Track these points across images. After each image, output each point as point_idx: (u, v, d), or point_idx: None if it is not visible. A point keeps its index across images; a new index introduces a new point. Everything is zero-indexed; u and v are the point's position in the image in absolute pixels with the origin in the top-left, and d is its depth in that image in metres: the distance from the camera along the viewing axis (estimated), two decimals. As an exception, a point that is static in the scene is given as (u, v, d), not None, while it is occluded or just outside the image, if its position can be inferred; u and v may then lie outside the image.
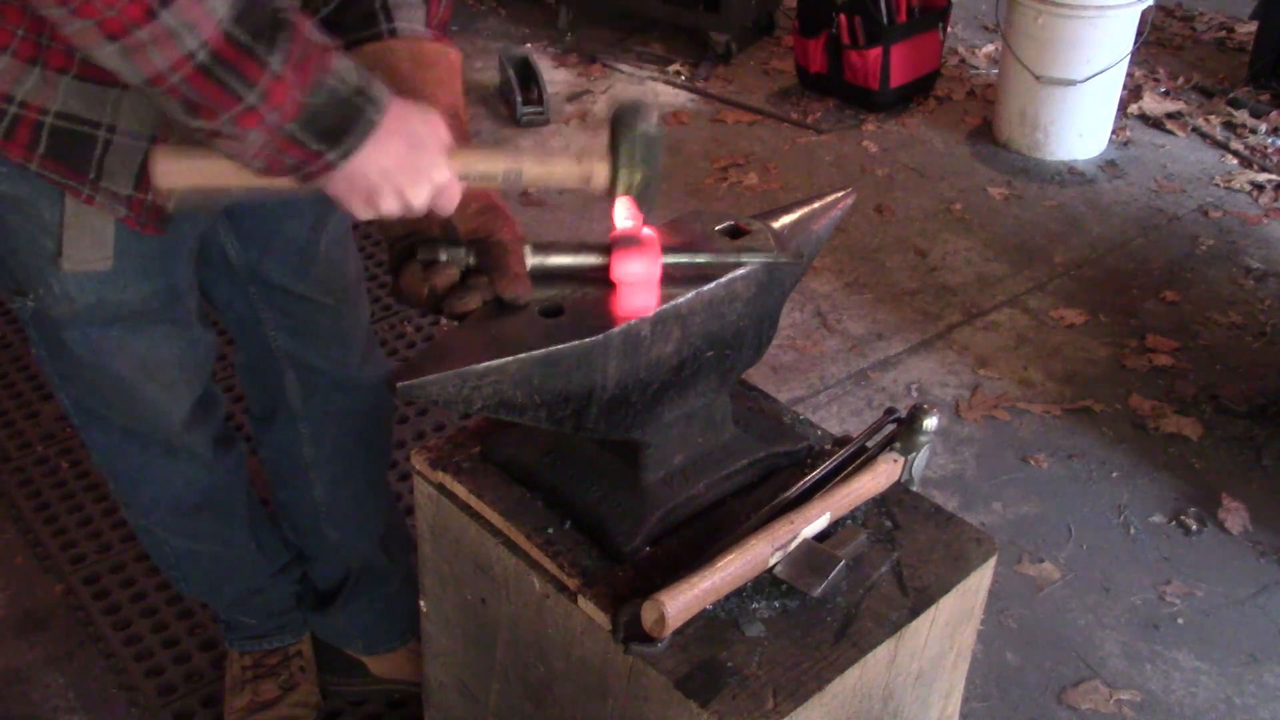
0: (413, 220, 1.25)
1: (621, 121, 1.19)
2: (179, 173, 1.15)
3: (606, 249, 1.24)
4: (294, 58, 1.03)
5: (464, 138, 1.29)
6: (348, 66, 1.07)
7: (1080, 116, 3.75)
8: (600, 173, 1.20)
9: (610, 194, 1.21)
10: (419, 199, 1.14)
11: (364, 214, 1.15)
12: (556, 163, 1.21)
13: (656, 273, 1.23)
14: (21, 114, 1.23)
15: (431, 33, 1.31)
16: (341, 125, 1.07)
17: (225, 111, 1.03)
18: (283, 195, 1.23)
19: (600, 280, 1.25)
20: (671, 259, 1.25)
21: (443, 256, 1.21)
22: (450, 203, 1.17)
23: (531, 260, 1.24)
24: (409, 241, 1.25)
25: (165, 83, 1.02)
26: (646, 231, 1.24)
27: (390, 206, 1.14)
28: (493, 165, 1.18)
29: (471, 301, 1.21)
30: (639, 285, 1.23)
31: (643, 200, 1.22)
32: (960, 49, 4.54)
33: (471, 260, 1.23)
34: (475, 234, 1.24)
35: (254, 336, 1.72)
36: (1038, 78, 3.68)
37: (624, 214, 1.24)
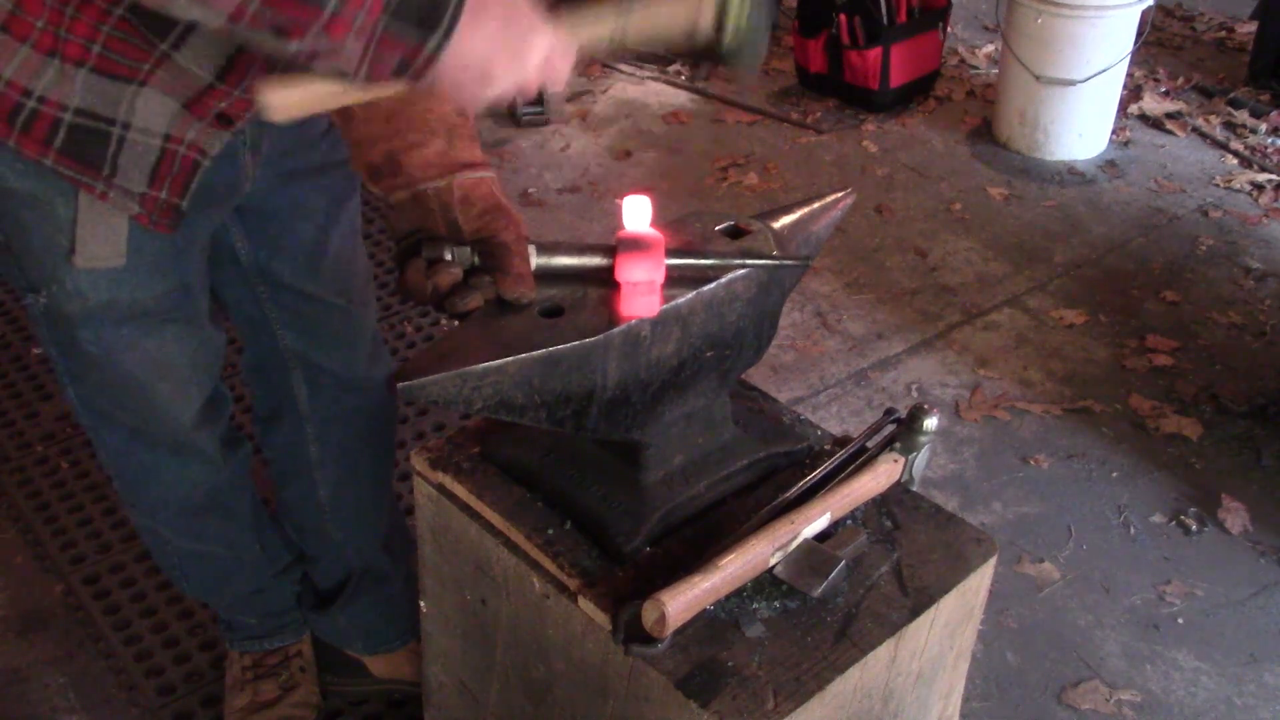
0: (419, 218, 1.26)
1: None
2: (290, 103, 1.12)
3: (610, 250, 1.24)
4: None
5: (471, 134, 1.29)
6: None
7: (1080, 116, 3.75)
8: (707, 10, 1.15)
9: (716, 43, 1.16)
10: (530, 71, 1.10)
11: (482, 99, 1.11)
12: (660, 5, 1.14)
13: (660, 275, 1.23)
14: (40, 109, 1.23)
15: None
16: (432, 8, 1.03)
17: (313, 23, 1.00)
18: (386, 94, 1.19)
19: (604, 282, 1.25)
20: (675, 261, 1.25)
21: (447, 255, 1.21)
22: (562, 71, 1.13)
23: (536, 260, 1.24)
24: (414, 239, 1.25)
25: (245, 13, 1.00)
26: (651, 234, 1.24)
27: (504, 85, 1.10)
28: (596, 24, 1.14)
29: (474, 301, 1.21)
30: (642, 287, 1.22)
31: (748, 49, 1.17)
32: (960, 49, 4.54)
33: (476, 259, 1.23)
34: (480, 233, 1.24)
35: (262, 336, 1.72)
36: (1038, 78, 3.68)
37: (631, 214, 1.24)
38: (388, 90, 1.11)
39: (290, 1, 0.99)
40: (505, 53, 1.08)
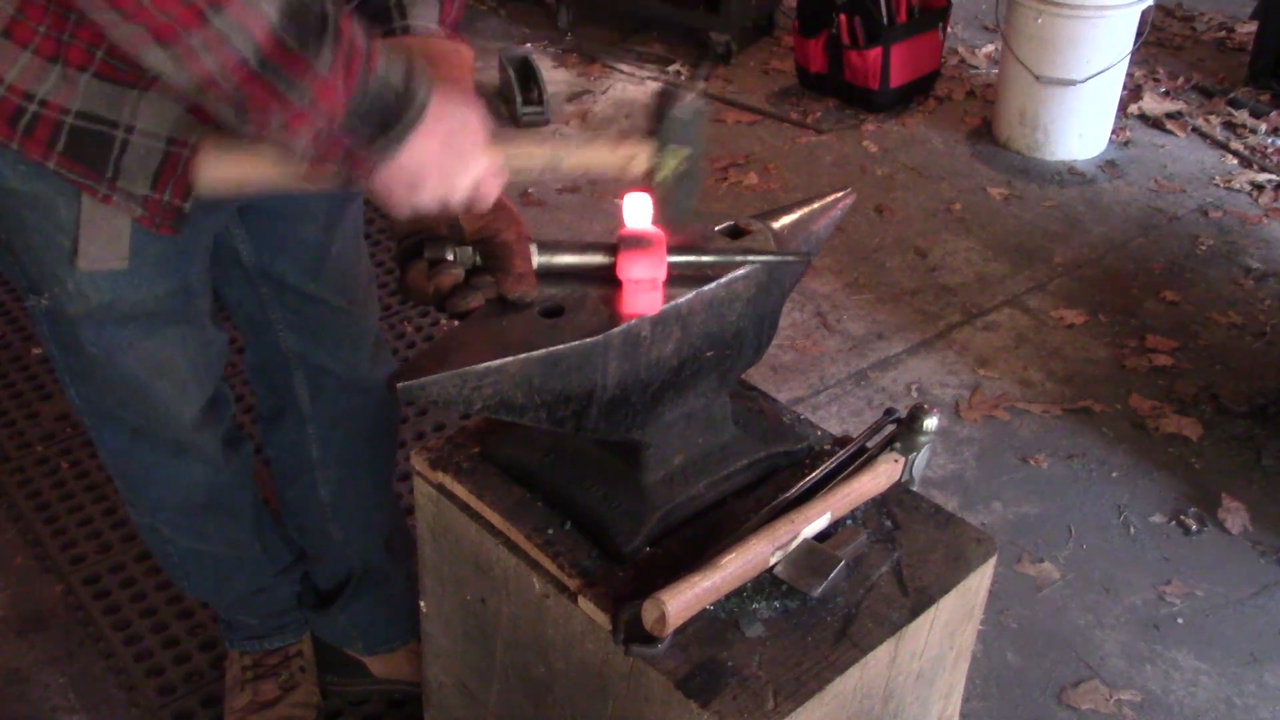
0: (420, 218, 1.26)
1: (663, 102, 1.18)
2: (222, 174, 1.16)
3: (612, 249, 1.24)
4: (340, 59, 1.03)
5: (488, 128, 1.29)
6: (392, 63, 1.07)
7: (1080, 116, 3.75)
8: (640, 156, 1.19)
9: (651, 180, 1.21)
10: (460, 191, 1.14)
11: (404, 208, 1.15)
12: (594, 150, 1.20)
13: (662, 273, 1.23)
14: (42, 112, 1.23)
15: (444, 30, 1.31)
16: (386, 121, 1.07)
17: (275, 114, 1.03)
18: (320, 190, 1.23)
19: (606, 280, 1.25)
20: (677, 259, 1.25)
21: (449, 255, 1.22)
22: (489, 195, 1.17)
23: (537, 260, 1.24)
24: (416, 239, 1.25)
25: (216, 87, 1.02)
26: (652, 231, 1.24)
27: (432, 199, 1.14)
28: (531, 157, 1.18)
29: (475, 301, 1.21)
30: (644, 285, 1.22)
31: (685, 185, 1.21)
32: (960, 49, 4.54)
33: (477, 259, 1.23)
34: (481, 233, 1.24)
35: (264, 336, 1.72)
36: (1038, 78, 3.68)
37: (635, 211, 1.24)
38: (321, 184, 1.14)
39: (262, 88, 1.02)
40: (441, 169, 1.12)
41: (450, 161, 1.12)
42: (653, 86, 4.25)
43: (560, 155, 1.18)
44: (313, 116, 1.04)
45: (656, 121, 1.19)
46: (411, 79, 1.08)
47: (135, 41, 1.00)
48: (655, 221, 1.25)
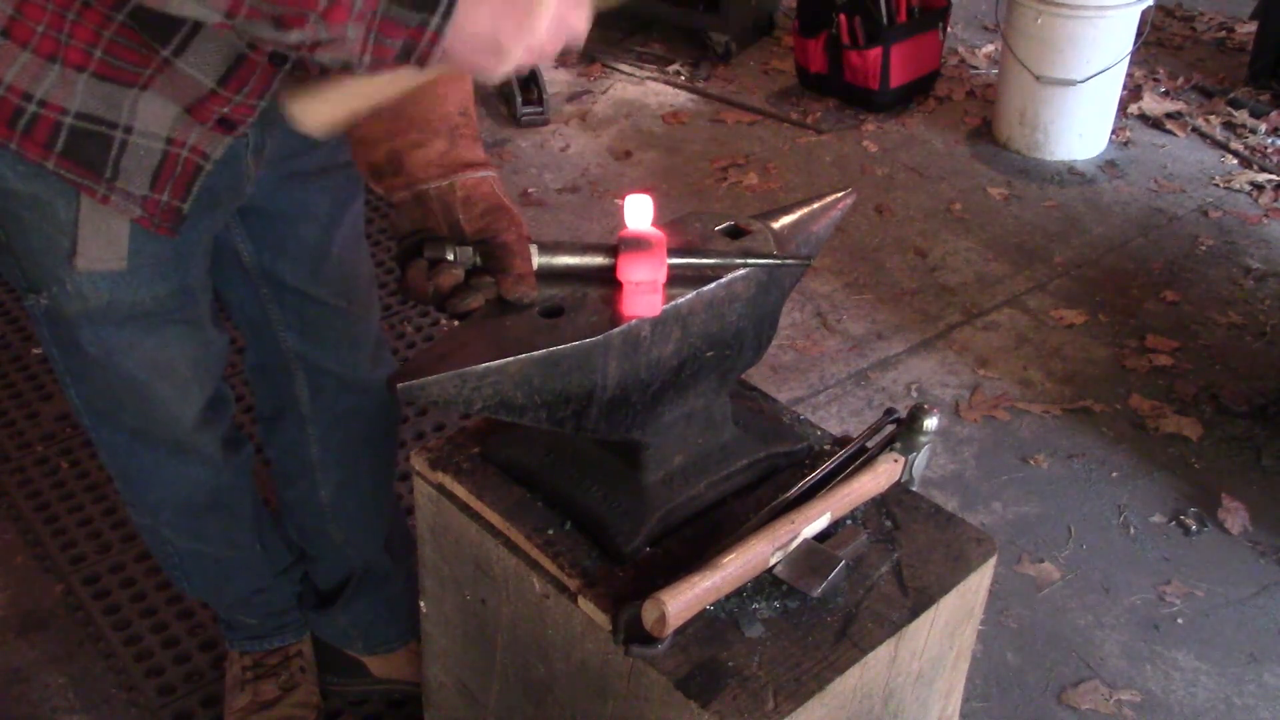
0: (420, 217, 1.26)
1: None
2: (321, 113, 1.12)
3: (612, 250, 1.24)
4: None
5: (474, 134, 1.29)
6: None
7: (1080, 116, 3.75)
8: None
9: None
10: (540, 31, 1.07)
11: (499, 70, 1.08)
12: None
13: (663, 275, 1.23)
14: (41, 113, 1.23)
15: None
16: None
17: (311, 11, 1.00)
18: (413, 87, 1.17)
19: (606, 281, 1.25)
20: (677, 261, 1.25)
21: (449, 255, 1.22)
22: (578, 26, 1.10)
23: (537, 260, 1.24)
24: (416, 239, 1.25)
25: (243, 6, 1.00)
26: (653, 233, 1.24)
27: (519, 50, 1.07)
28: None
29: (475, 301, 1.21)
30: (644, 286, 1.23)
31: None
32: (960, 49, 4.54)
33: (477, 260, 1.23)
34: (482, 233, 1.24)
35: (264, 337, 1.72)
36: (1038, 78, 3.68)
37: (633, 215, 1.24)
38: (407, 81, 1.09)
39: None
40: (512, 20, 1.06)
41: (518, 7, 1.06)
42: None
43: None
44: (349, 5, 1.00)
45: None
46: None
47: None
48: (654, 223, 1.26)
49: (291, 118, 1.12)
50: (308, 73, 1.10)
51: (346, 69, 1.06)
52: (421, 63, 1.05)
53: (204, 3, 1.00)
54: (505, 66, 1.08)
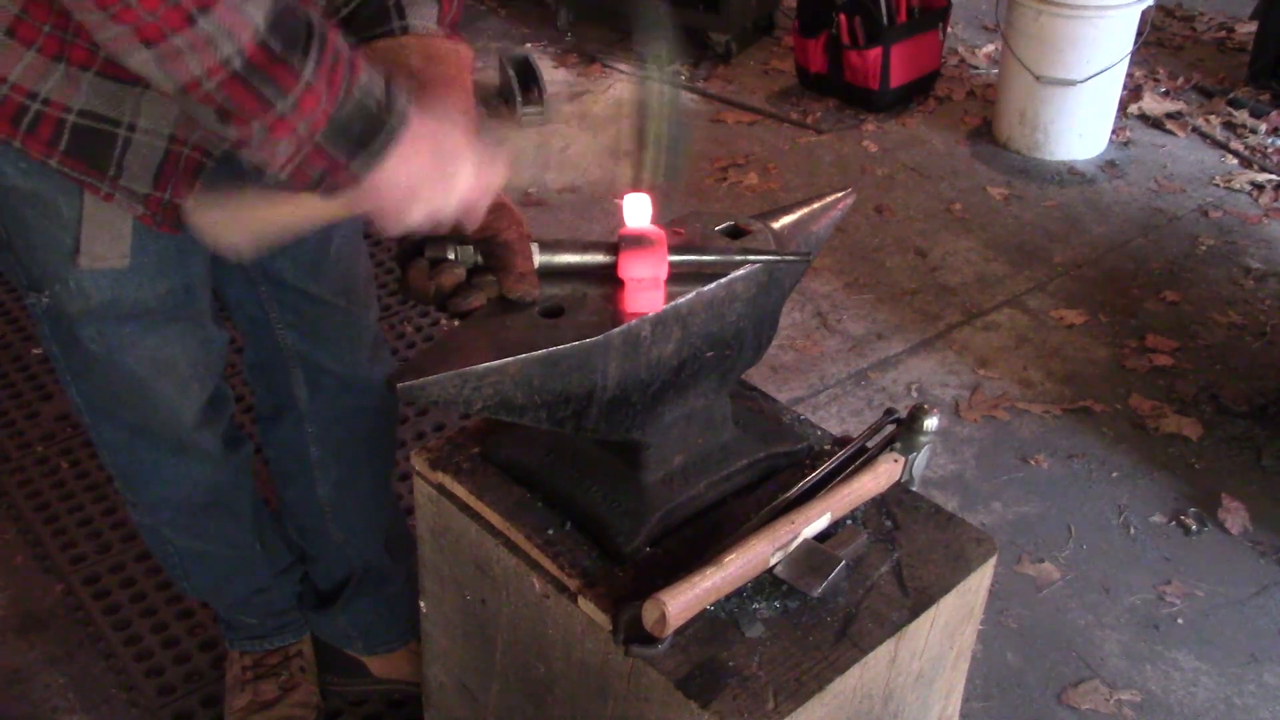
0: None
1: (641, 97, 1.18)
2: (218, 223, 1.16)
3: (614, 248, 1.24)
4: (325, 67, 1.03)
5: (474, 135, 1.29)
6: (373, 77, 1.08)
7: (1080, 116, 3.75)
8: (628, 164, 1.20)
9: (643, 179, 1.22)
10: (447, 209, 1.14)
11: (394, 228, 1.14)
12: (581, 156, 1.21)
13: (664, 272, 1.23)
14: (45, 111, 1.23)
15: (443, 30, 1.31)
16: (366, 135, 1.07)
17: (258, 119, 1.03)
18: (317, 224, 1.23)
19: (607, 279, 1.25)
20: (678, 259, 1.25)
21: (450, 254, 1.22)
22: (478, 208, 1.17)
23: (539, 259, 1.24)
24: (417, 238, 1.25)
25: (199, 90, 1.01)
26: (653, 230, 1.24)
27: (418, 218, 1.13)
28: (520, 161, 1.19)
29: (476, 300, 1.21)
30: (645, 284, 1.23)
31: (675, 158, 1.22)
32: (960, 49, 4.54)
33: (479, 258, 1.23)
34: (483, 232, 1.24)
35: (263, 335, 1.72)
36: (1038, 78, 3.68)
37: (635, 210, 1.24)
38: (312, 214, 1.14)
39: (246, 93, 1.01)
40: (428, 188, 1.11)
41: (433, 181, 1.11)
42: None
43: (548, 167, 1.19)
44: (295, 123, 1.03)
45: (640, 120, 1.19)
46: (391, 91, 1.08)
47: (121, 42, 1.00)
48: (654, 221, 1.26)
49: (194, 227, 1.16)
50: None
51: (260, 173, 1.09)
52: (328, 194, 1.10)
53: (164, 71, 1.01)
54: (400, 228, 1.13)
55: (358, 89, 1.06)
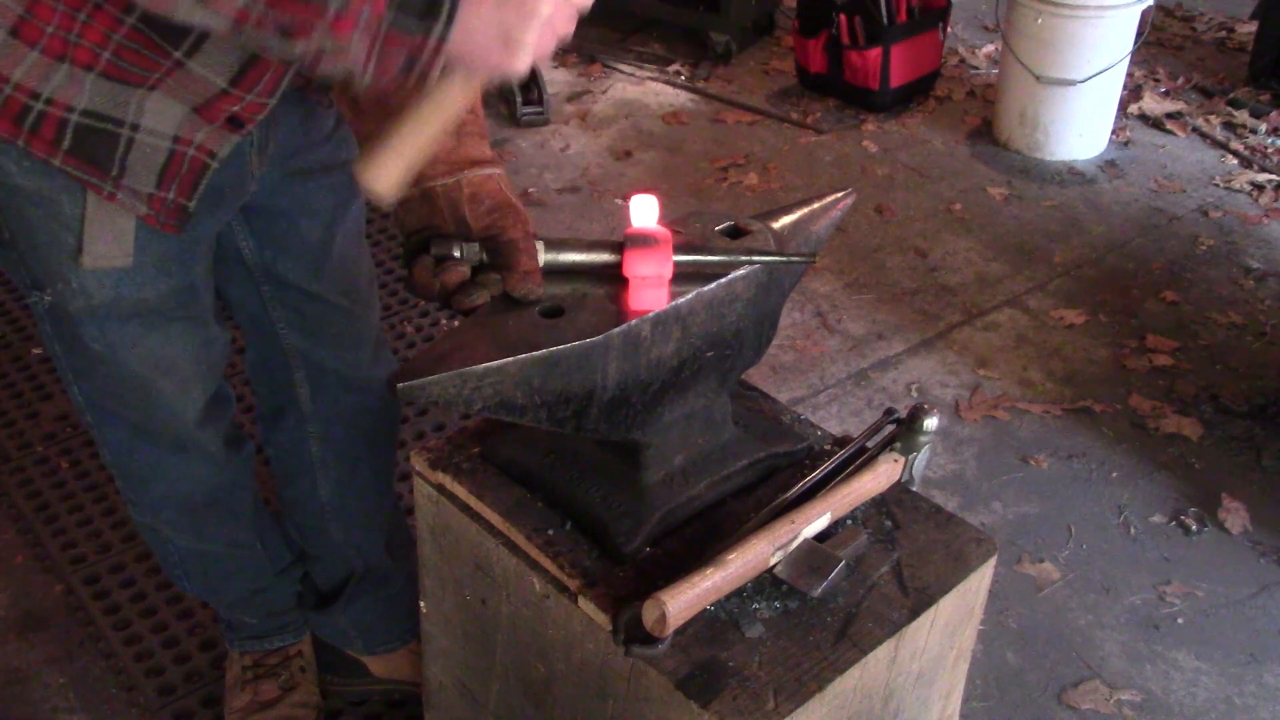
0: (427, 215, 1.26)
1: None
2: (392, 176, 1.14)
3: (618, 247, 1.24)
4: None
5: (480, 131, 1.29)
6: None
7: (1080, 116, 3.75)
8: None
9: None
10: (544, 11, 1.08)
11: (516, 66, 1.08)
12: None
13: (668, 272, 1.23)
14: (48, 111, 1.23)
15: None
16: (431, 2, 1.03)
17: (317, 24, 1.01)
18: (456, 121, 1.17)
19: (610, 279, 1.25)
20: (682, 258, 1.25)
21: (456, 252, 1.22)
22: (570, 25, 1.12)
23: (544, 257, 1.24)
24: (424, 235, 1.25)
25: (250, 16, 1.01)
26: (659, 230, 1.24)
27: (530, 38, 1.08)
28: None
29: (480, 297, 1.21)
30: (650, 284, 1.23)
31: None
32: (960, 49, 4.54)
33: (484, 256, 1.23)
34: (488, 231, 1.24)
35: (265, 335, 1.73)
36: (1038, 78, 3.68)
37: (639, 213, 1.24)
38: (452, 112, 1.10)
39: (294, 4, 1.00)
40: (513, 8, 1.06)
41: (513, 3, 1.06)
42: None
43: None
44: (357, 14, 1.01)
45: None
46: None
47: None
48: (659, 221, 1.26)
49: (363, 187, 1.13)
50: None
51: (347, 74, 1.06)
52: (424, 75, 1.06)
53: (211, 11, 1.01)
54: (521, 59, 1.09)
55: None
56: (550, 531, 1.32)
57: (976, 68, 4.44)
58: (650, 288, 1.22)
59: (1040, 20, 3.61)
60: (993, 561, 1.37)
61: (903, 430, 1.39)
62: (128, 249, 1.36)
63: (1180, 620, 2.27)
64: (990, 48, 4.53)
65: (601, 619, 1.23)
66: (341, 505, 1.88)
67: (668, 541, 1.33)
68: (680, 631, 1.20)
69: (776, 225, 1.37)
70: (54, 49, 1.20)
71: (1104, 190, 3.69)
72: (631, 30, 4.65)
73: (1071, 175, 3.76)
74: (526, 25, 1.07)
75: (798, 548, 1.26)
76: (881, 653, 1.24)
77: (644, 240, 1.22)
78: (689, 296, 1.25)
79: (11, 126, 1.24)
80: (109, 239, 1.34)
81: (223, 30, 1.03)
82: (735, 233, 1.34)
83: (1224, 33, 4.71)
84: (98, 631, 2.19)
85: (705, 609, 1.22)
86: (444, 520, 1.42)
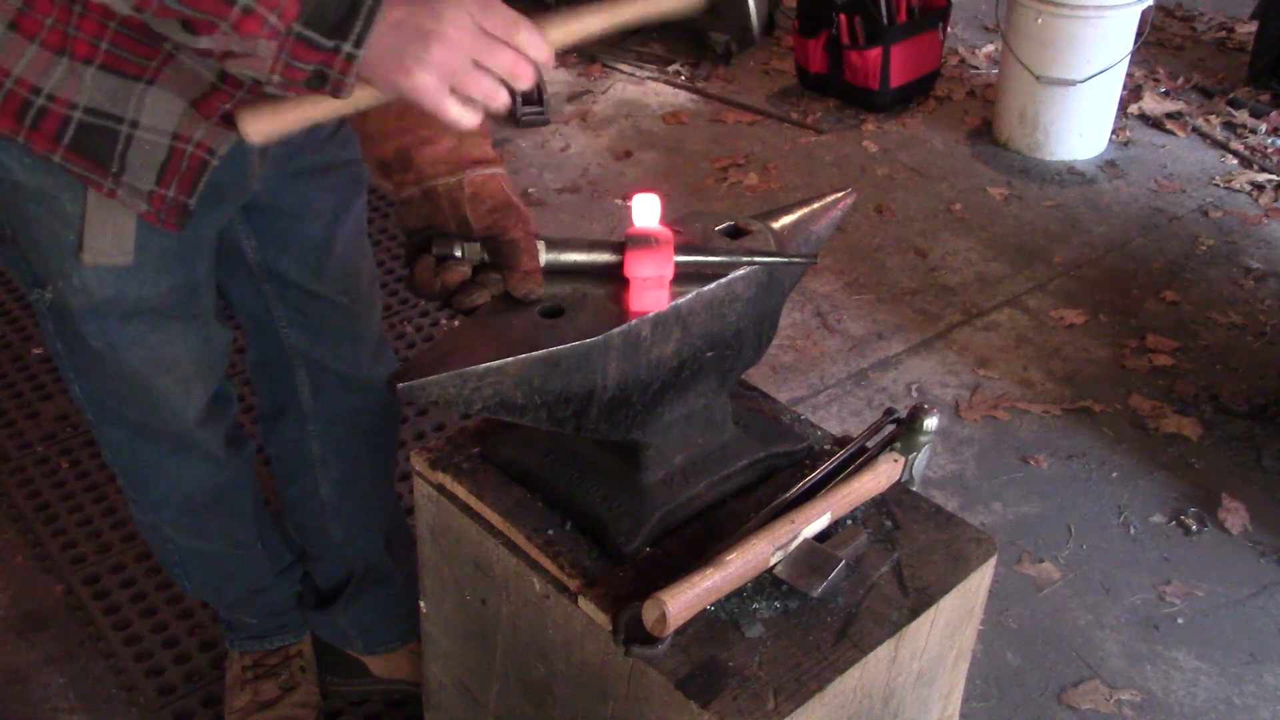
0: (429, 214, 1.26)
1: None
2: (265, 128, 1.13)
3: (619, 247, 1.24)
4: None
5: (483, 131, 1.29)
6: None
7: (1080, 116, 3.75)
8: None
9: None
10: (461, 47, 1.06)
11: (415, 87, 1.06)
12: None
13: (669, 272, 1.23)
14: (49, 106, 1.23)
15: None
16: (345, 18, 1.02)
17: (223, 19, 1.00)
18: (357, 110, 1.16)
19: (611, 279, 1.25)
20: (684, 259, 1.25)
21: (457, 252, 1.22)
22: (527, 67, 1.11)
23: (545, 257, 1.24)
24: (425, 235, 1.25)
25: (151, 4, 1.00)
26: (661, 230, 1.25)
27: (432, 72, 1.05)
28: (584, 25, 1.16)
29: (481, 297, 1.21)
30: (651, 284, 1.23)
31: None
32: (960, 49, 4.54)
33: (485, 256, 1.23)
34: (490, 230, 1.24)
35: (266, 334, 1.73)
36: (1038, 78, 3.68)
37: (640, 212, 1.24)
38: (352, 102, 1.09)
39: None
40: (428, 34, 1.04)
41: (427, 19, 1.04)
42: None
43: (612, 14, 1.15)
44: (263, 15, 1.00)
45: None
46: None
47: None
48: (660, 221, 1.26)
49: (241, 129, 1.12)
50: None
51: (258, 85, 1.06)
52: (336, 89, 1.05)
53: None
54: (423, 79, 1.06)
55: None
56: (550, 531, 1.32)
57: (976, 68, 4.44)
58: (651, 288, 1.22)
59: (1040, 20, 3.61)
60: (993, 561, 1.37)
61: (903, 430, 1.39)
62: (128, 247, 1.36)
63: (1180, 620, 2.27)
64: (990, 48, 4.53)
65: (601, 619, 1.23)
66: (342, 505, 1.88)
67: (668, 541, 1.33)
68: (680, 631, 1.20)
69: (776, 225, 1.37)
70: (53, 42, 1.20)
71: (1104, 190, 3.69)
72: (631, 30, 4.64)
73: (1071, 175, 3.76)
74: (425, 46, 1.05)
75: (798, 548, 1.26)
76: (881, 653, 1.24)
77: (645, 241, 1.22)
78: (689, 296, 1.25)
79: (12, 122, 1.24)
80: (109, 236, 1.34)
81: (124, 12, 1.01)
82: (735, 233, 1.34)
83: (1224, 33, 4.71)
84: (98, 631, 2.19)
85: (705, 609, 1.22)
86: (444, 520, 1.42)
